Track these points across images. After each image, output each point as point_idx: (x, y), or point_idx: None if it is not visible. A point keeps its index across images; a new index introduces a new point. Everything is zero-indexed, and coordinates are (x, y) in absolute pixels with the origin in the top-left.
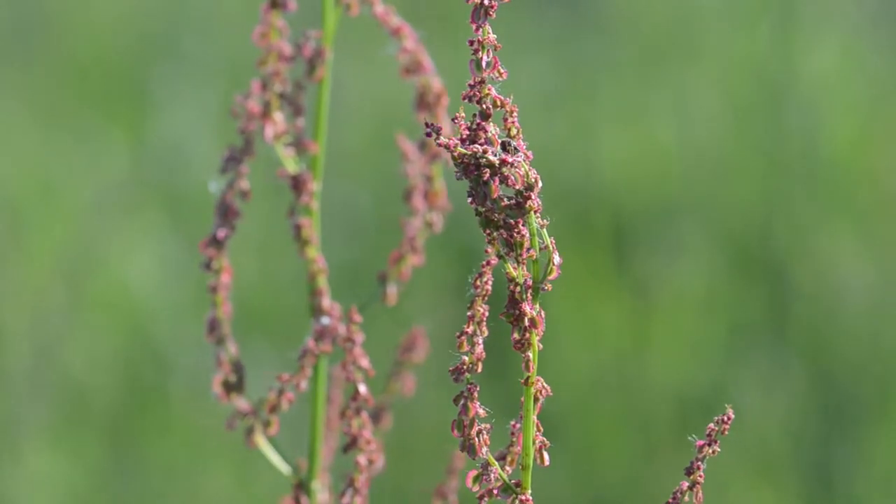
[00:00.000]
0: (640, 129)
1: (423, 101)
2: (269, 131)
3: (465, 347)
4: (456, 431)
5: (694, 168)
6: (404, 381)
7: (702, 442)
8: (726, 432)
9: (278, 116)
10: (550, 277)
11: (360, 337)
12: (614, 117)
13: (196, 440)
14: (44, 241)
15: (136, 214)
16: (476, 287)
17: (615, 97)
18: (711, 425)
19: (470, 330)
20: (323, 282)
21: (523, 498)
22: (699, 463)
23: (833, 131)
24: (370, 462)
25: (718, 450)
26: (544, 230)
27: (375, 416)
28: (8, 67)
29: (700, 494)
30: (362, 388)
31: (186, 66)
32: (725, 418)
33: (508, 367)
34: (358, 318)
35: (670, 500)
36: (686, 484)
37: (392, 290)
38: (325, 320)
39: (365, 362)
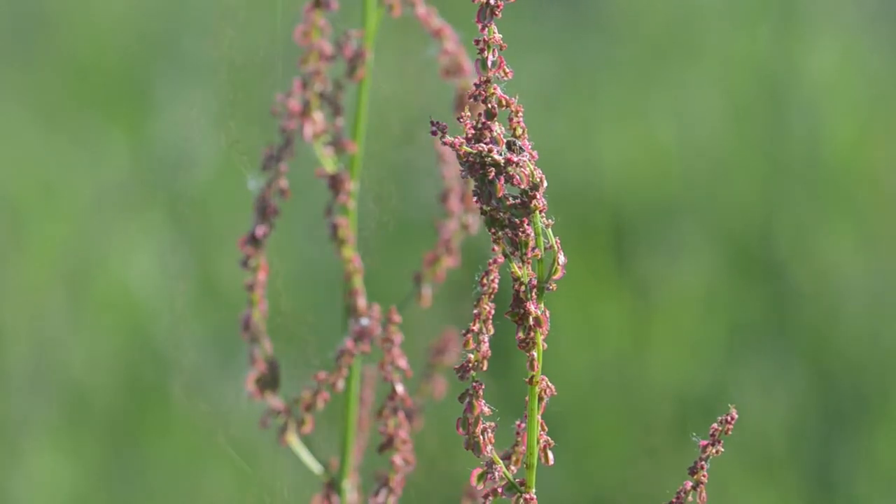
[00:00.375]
0: (640, 129)
1: (462, 104)
2: (309, 130)
3: (471, 345)
4: (461, 429)
5: (694, 168)
6: (435, 383)
7: (705, 442)
8: (730, 432)
9: (318, 116)
10: (555, 277)
11: (398, 337)
12: (614, 117)
13: (196, 440)
14: (44, 240)
15: (136, 214)
16: (483, 285)
17: (615, 97)
18: (715, 425)
19: (476, 328)
20: (359, 282)
21: (528, 496)
22: (703, 463)
23: (833, 131)
24: (406, 462)
25: (722, 450)
26: (549, 230)
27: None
28: (8, 67)
29: (704, 494)
30: (399, 388)
31: (187, 66)
32: (729, 418)
33: (509, 365)
34: (397, 318)
35: (674, 500)
36: (690, 484)
37: (427, 292)
38: (365, 321)
39: (403, 362)
